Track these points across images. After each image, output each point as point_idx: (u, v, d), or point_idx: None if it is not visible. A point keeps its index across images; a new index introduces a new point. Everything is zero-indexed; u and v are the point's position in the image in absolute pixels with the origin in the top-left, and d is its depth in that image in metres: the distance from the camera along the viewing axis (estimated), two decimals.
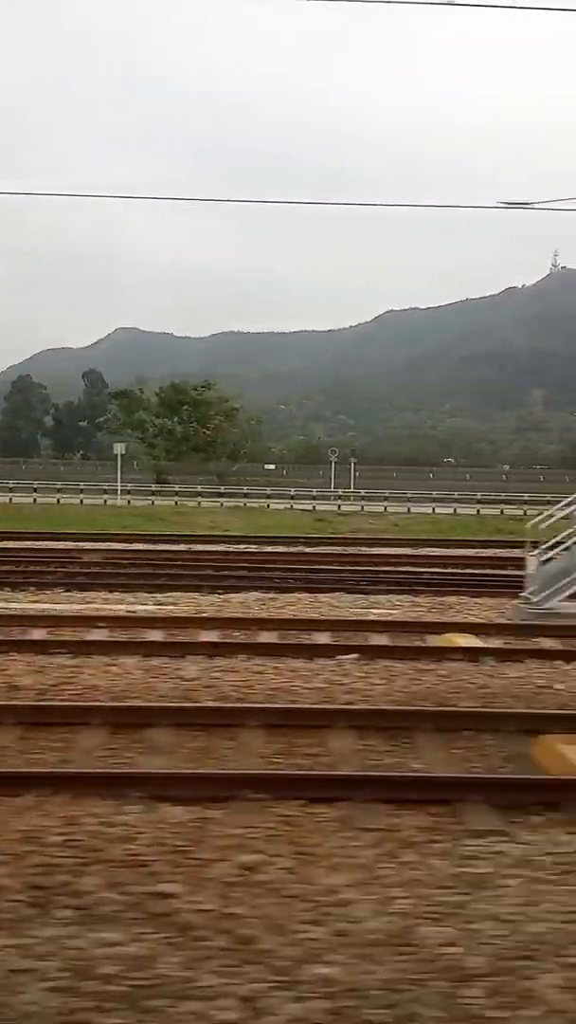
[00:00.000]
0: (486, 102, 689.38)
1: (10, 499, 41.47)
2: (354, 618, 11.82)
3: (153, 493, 50.87)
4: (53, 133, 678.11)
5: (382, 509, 44.45)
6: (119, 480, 51.31)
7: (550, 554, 12.24)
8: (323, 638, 10.26)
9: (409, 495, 51.07)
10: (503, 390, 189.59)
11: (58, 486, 49.16)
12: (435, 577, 15.86)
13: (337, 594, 13.75)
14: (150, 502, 45.57)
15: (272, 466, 72.73)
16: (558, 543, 12.32)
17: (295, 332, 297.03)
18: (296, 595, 13.57)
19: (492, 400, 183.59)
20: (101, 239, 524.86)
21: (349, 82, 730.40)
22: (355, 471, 63.15)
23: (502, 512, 42.29)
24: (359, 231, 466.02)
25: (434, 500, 49.04)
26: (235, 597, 13.24)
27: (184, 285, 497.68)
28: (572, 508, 12.87)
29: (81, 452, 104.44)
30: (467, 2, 13.13)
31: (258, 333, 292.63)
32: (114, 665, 8.56)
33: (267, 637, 10.24)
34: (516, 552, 14.34)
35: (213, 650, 9.25)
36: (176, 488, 54.33)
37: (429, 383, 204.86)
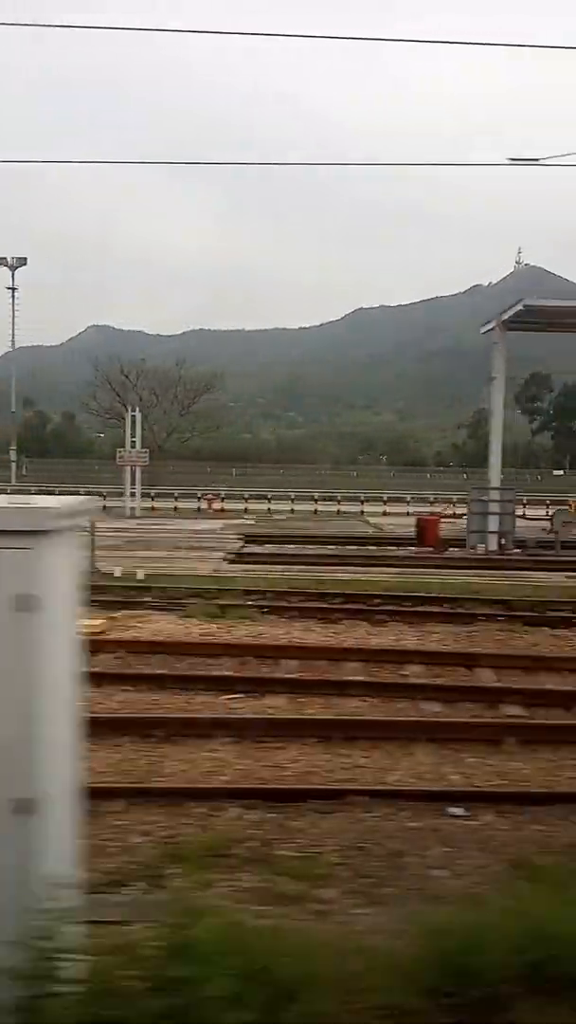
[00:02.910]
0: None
1: None
2: None
3: None
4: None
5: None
6: None
7: None
8: None
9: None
10: (456, 388, 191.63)
11: None
12: None
13: None
14: None
15: None
16: None
17: (265, 330, 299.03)
18: None
19: (444, 398, 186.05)
20: (77, 236, 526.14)
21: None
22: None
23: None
24: (342, 229, 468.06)
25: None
26: None
27: (158, 283, 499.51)
28: None
29: None
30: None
31: (228, 331, 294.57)
32: None
33: None
34: None
35: None
36: None
37: (385, 381, 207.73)
